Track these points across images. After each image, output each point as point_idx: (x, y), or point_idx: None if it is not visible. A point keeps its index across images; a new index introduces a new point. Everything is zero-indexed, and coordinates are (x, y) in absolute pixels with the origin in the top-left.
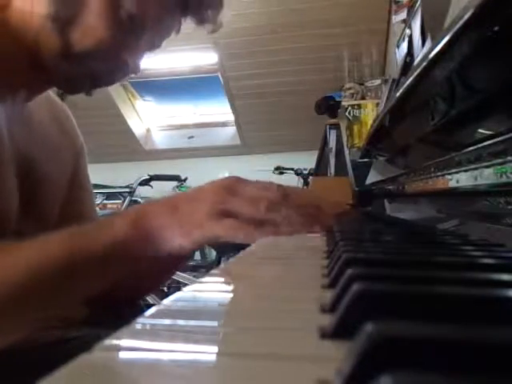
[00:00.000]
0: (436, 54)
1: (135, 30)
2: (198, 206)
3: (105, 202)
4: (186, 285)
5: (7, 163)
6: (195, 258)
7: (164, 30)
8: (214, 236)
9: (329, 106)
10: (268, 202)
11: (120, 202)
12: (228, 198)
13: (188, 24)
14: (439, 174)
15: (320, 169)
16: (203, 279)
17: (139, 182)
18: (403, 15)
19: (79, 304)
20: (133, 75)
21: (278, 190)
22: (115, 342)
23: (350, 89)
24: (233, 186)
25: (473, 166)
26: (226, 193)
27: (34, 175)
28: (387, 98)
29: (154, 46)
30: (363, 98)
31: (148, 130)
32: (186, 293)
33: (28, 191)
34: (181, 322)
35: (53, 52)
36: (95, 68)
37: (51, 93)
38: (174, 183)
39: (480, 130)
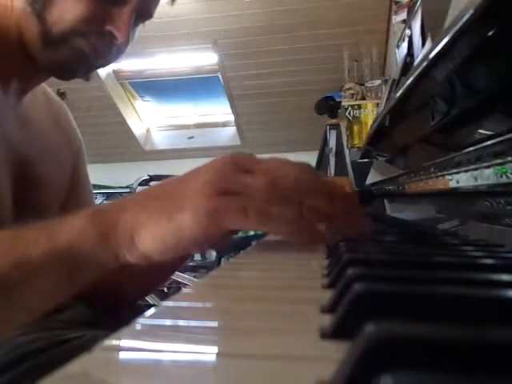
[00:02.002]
0: (436, 54)
1: (116, 0)
2: (187, 188)
3: (105, 202)
4: (186, 285)
5: (0, 163)
6: (195, 258)
7: None
8: (210, 226)
9: (329, 107)
10: (295, 184)
11: None
12: (234, 174)
13: (188, 23)
14: (439, 174)
15: (320, 169)
16: (203, 279)
17: (139, 182)
18: (403, 15)
19: (33, 314)
20: (126, 52)
21: (311, 172)
22: (115, 342)
23: (350, 89)
24: (243, 159)
25: (473, 167)
26: (232, 168)
27: (29, 176)
28: (387, 99)
29: (146, 15)
30: (363, 98)
31: (148, 131)
32: (185, 293)
33: (23, 192)
34: (181, 323)
35: (34, 38)
36: (82, 48)
37: (50, 91)
38: None
39: (480, 130)
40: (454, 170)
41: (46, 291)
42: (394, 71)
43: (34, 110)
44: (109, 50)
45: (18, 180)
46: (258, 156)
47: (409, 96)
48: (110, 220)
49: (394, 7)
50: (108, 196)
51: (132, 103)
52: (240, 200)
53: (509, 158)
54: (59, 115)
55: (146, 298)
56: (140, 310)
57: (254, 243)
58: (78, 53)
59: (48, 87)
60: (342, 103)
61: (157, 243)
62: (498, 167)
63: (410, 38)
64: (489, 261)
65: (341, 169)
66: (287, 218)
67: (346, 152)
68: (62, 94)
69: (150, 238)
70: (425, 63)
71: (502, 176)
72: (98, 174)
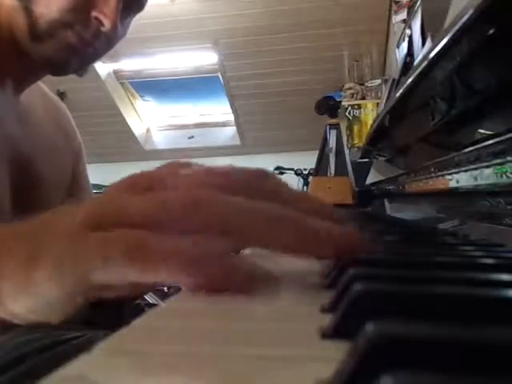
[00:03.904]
0: (436, 54)
1: None
2: (55, 224)
3: None
4: None
5: None
6: None
7: None
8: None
9: (329, 106)
10: (210, 199)
11: None
12: (126, 198)
13: (188, 23)
14: (439, 174)
15: (320, 169)
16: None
17: None
18: (403, 15)
19: None
20: (117, 43)
21: (234, 174)
22: (115, 342)
23: (350, 89)
24: (146, 178)
25: (473, 166)
26: (129, 189)
27: (28, 173)
28: (387, 98)
29: (136, 5)
30: (363, 98)
31: (148, 130)
32: (185, 293)
33: (22, 190)
34: (181, 323)
35: (23, 32)
36: (69, 40)
37: (48, 91)
38: None
39: (480, 130)
40: (454, 170)
41: None
42: (394, 71)
43: (32, 109)
44: (97, 39)
45: (17, 177)
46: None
47: (409, 96)
48: None
49: (394, 7)
50: None
51: (132, 103)
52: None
53: (509, 158)
54: (58, 115)
55: (146, 298)
56: (140, 310)
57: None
58: (66, 46)
59: (47, 87)
60: (342, 103)
61: (20, 306)
62: (498, 167)
63: (410, 37)
64: (489, 261)
65: (341, 169)
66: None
67: (346, 152)
68: (62, 94)
69: (11, 299)
70: (425, 63)
71: (502, 176)
72: (97, 174)
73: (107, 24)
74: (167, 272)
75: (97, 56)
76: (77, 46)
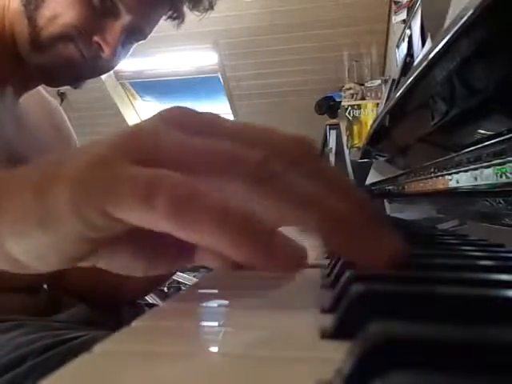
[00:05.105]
0: (436, 54)
1: (108, 13)
2: (94, 168)
3: None
4: (186, 285)
5: None
6: None
7: (148, 16)
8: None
9: (329, 107)
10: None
11: None
12: (160, 144)
13: (188, 23)
14: (439, 174)
15: None
16: (203, 279)
17: None
18: (403, 15)
19: None
20: (116, 66)
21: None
22: (115, 342)
23: (349, 89)
24: (173, 119)
25: (473, 166)
26: (165, 126)
27: None
28: (387, 99)
29: (139, 34)
30: (363, 98)
31: None
32: (184, 294)
33: None
34: (181, 323)
35: (23, 40)
36: (70, 52)
37: (44, 93)
38: None
39: (480, 130)
40: (454, 170)
41: None
42: (394, 71)
43: (30, 111)
44: (96, 61)
45: None
46: None
47: (409, 96)
48: None
49: (394, 7)
50: None
51: (132, 103)
52: (153, 175)
53: (509, 158)
54: (54, 116)
55: (146, 298)
56: (140, 310)
57: None
58: (66, 58)
59: (48, 88)
60: (342, 103)
61: (22, 241)
62: (498, 167)
63: (410, 37)
64: (489, 261)
65: (341, 169)
66: (237, 215)
67: (346, 152)
68: (62, 95)
69: (9, 233)
70: (425, 63)
71: (501, 176)
72: None
73: (107, 52)
74: (213, 236)
75: (94, 74)
76: (76, 59)
